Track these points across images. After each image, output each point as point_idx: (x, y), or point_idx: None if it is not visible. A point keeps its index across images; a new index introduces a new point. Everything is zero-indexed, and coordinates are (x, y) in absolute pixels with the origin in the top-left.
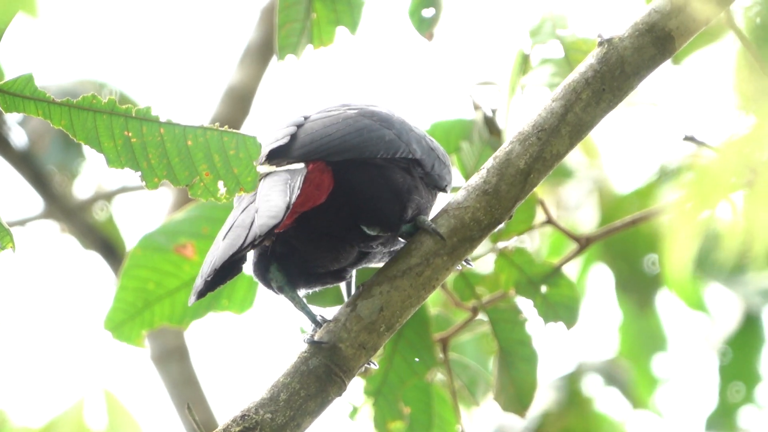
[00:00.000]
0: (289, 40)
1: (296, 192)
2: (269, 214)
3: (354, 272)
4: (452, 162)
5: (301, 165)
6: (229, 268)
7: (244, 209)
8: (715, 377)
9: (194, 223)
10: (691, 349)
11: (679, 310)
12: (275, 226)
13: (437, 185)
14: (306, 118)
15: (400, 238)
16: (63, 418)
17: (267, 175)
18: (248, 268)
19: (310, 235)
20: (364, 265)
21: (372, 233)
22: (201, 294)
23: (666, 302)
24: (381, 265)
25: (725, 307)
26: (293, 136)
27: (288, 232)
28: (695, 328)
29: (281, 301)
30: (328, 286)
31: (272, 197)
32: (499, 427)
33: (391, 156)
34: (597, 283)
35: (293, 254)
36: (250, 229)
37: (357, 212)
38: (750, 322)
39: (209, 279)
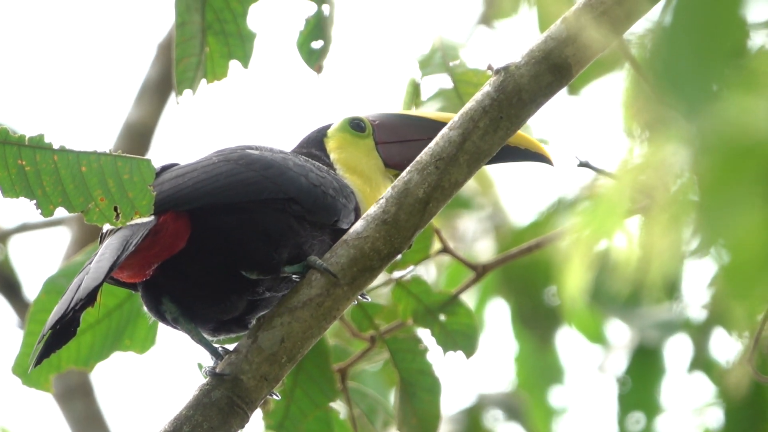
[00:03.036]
0: (186, 75)
1: (130, 249)
2: (93, 275)
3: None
4: None
5: (151, 218)
6: (63, 334)
7: (83, 269)
8: (615, 408)
9: None
10: (590, 381)
11: (578, 342)
12: (96, 288)
13: (325, 221)
14: (165, 168)
15: (293, 277)
16: None
17: (116, 230)
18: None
19: (186, 284)
20: (262, 312)
21: (252, 277)
22: (38, 361)
23: (564, 334)
24: None
25: (623, 338)
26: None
27: (159, 282)
28: (593, 359)
29: (180, 335)
30: (232, 334)
31: (104, 257)
32: None
33: (254, 198)
34: (494, 316)
35: (180, 294)
36: (76, 293)
37: (230, 257)
38: (647, 353)
39: (43, 346)
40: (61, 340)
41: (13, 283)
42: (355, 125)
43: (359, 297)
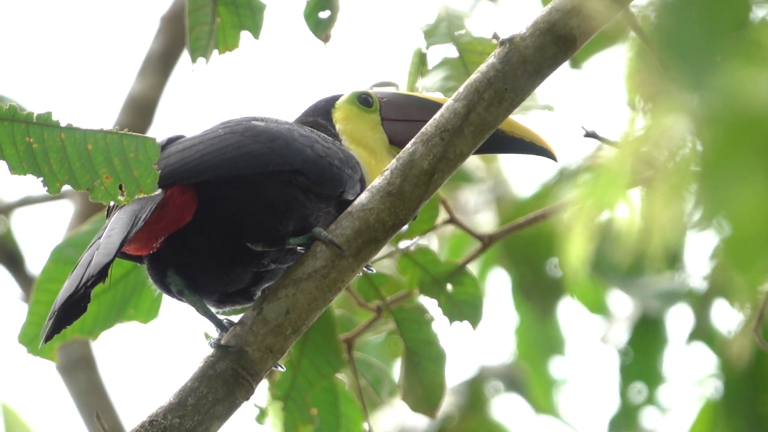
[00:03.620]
0: (200, 43)
1: (139, 224)
2: (104, 251)
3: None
4: None
5: (158, 192)
6: (73, 309)
7: (92, 244)
8: (616, 379)
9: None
10: (591, 351)
11: (579, 313)
12: (108, 264)
13: (330, 192)
14: (171, 141)
15: (298, 249)
16: None
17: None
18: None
19: (193, 256)
20: (267, 284)
21: (257, 249)
22: (48, 337)
23: (565, 305)
24: None
25: (624, 309)
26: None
27: (166, 255)
28: (595, 330)
29: (185, 307)
30: (237, 306)
31: (114, 232)
32: (401, 428)
33: (261, 171)
34: (496, 287)
35: (189, 266)
36: (87, 269)
37: (236, 229)
38: (649, 323)
39: (53, 321)
40: (71, 316)
41: (15, 257)
42: (363, 99)
43: (364, 269)
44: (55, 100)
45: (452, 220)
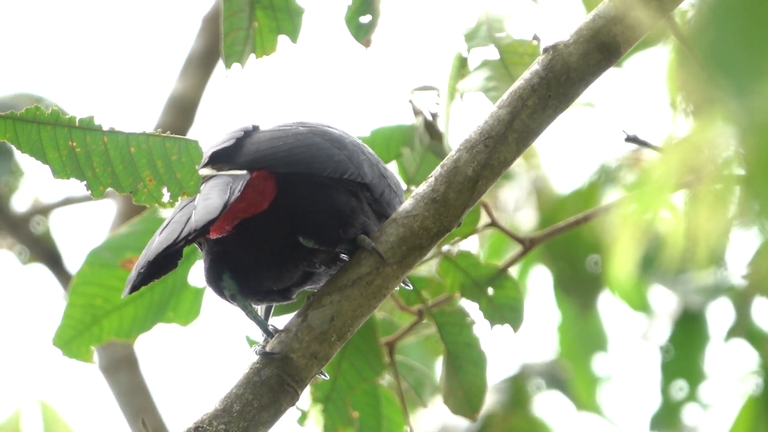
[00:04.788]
0: (234, 49)
1: (236, 194)
2: (206, 210)
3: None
4: (393, 167)
5: (244, 171)
6: (163, 263)
7: (183, 208)
8: (658, 376)
9: (139, 238)
10: (633, 349)
11: (620, 310)
12: (211, 222)
13: (385, 213)
14: (255, 128)
15: (342, 256)
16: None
17: (210, 178)
18: (194, 278)
19: (251, 248)
20: (308, 287)
21: (308, 245)
22: (135, 287)
23: (607, 302)
24: None
25: (666, 306)
26: (239, 143)
27: (229, 240)
28: (636, 327)
29: (230, 310)
30: (274, 303)
31: (212, 196)
32: (443, 428)
33: (338, 176)
34: (537, 284)
35: (241, 265)
36: (186, 224)
37: (297, 223)
38: (691, 320)
39: (143, 271)
40: (160, 271)
41: (55, 256)
42: None
43: (402, 284)
44: (97, 101)
45: (493, 224)
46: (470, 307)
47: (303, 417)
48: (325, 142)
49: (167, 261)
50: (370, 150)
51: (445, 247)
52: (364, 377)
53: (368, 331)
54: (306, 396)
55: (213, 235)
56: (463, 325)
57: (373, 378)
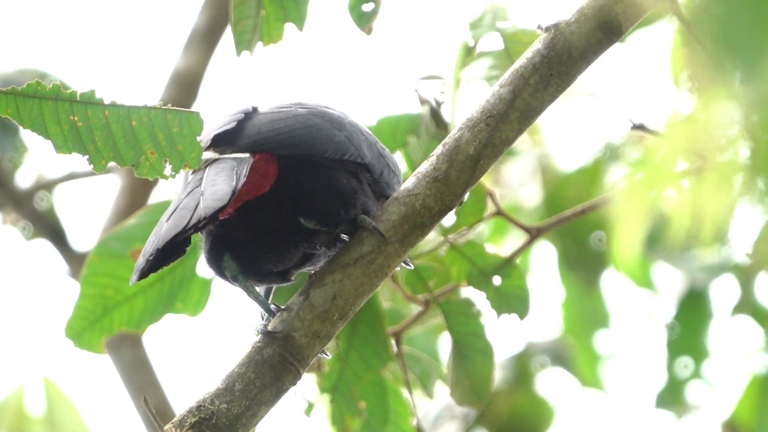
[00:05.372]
0: (244, 37)
1: (242, 179)
2: (215, 197)
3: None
4: (399, 157)
5: (247, 154)
6: (171, 250)
7: (190, 193)
8: (663, 353)
9: (148, 228)
10: (638, 326)
11: (625, 287)
12: (220, 209)
13: (384, 193)
14: (255, 109)
15: (343, 236)
16: (3, 405)
17: (213, 161)
18: (201, 267)
19: (253, 229)
20: (307, 269)
21: (309, 226)
22: (143, 274)
23: (611, 279)
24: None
25: (671, 283)
26: (240, 126)
27: (230, 222)
28: (640, 304)
29: (234, 291)
30: (274, 285)
31: (219, 182)
32: (447, 406)
33: (339, 157)
34: (541, 261)
35: (242, 246)
36: (194, 211)
37: (297, 205)
38: (696, 297)
39: (151, 258)
40: (168, 258)
41: (59, 232)
42: None
43: (402, 264)
44: (101, 77)
45: (500, 213)
46: (477, 297)
47: (310, 407)
48: (325, 122)
49: (175, 248)
50: (368, 130)
51: (452, 236)
52: (371, 367)
53: (375, 320)
54: (313, 386)
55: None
56: (469, 314)
57: (380, 368)
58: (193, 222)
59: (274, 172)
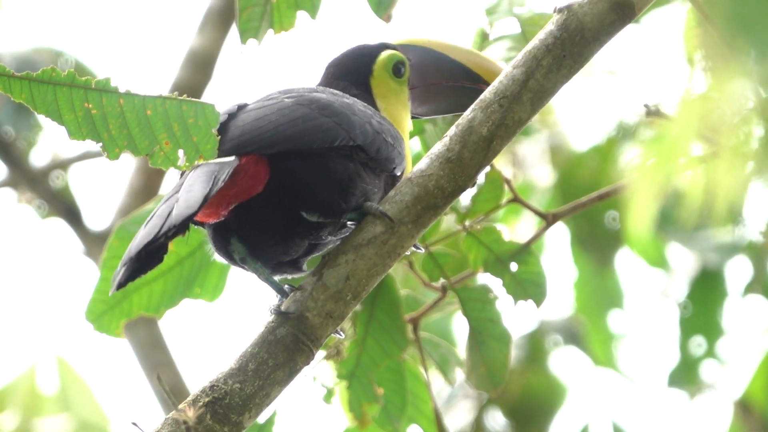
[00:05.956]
0: (250, 24)
1: (220, 184)
2: (187, 204)
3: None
4: (417, 143)
5: (232, 158)
6: (147, 259)
7: (168, 199)
8: (676, 332)
9: None
10: (650, 305)
11: (638, 266)
12: (190, 217)
13: (384, 168)
14: (240, 108)
15: (349, 223)
16: (16, 384)
17: (198, 165)
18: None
19: (254, 228)
20: (316, 254)
21: (312, 219)
22: (120, 284)
23: (624, 258)
24: None
25: (684, 263)
26: (224, 127)
27: (229, 223)
28: (654, 283)
29: (246, 274)
30: (287, 276)
31: (194, 188)
32: (461, 385)
33: (328, 145)
34: (555, 240)
35: (247, 241)
36: (167, 219)
37: (297, 200)
38: (709, 277)
39: (126, 268)
40: (145, 267)
41: (74, 210)
42: (396, 69)
43: (413, 248)
44: (116, 56)
45: (516, 200)
46: (493, 283)
47: (329, 394)
48: (312, 111)
49: (151, 256)
50: (363, 106)
51: (469, 223)
52: (388, 353)
53: (392, 307)
54: (331, 373)
55: (210, 220)
56: (486, 300)
57: (398, 354)
58: (163, 231)
59: (266, 172)
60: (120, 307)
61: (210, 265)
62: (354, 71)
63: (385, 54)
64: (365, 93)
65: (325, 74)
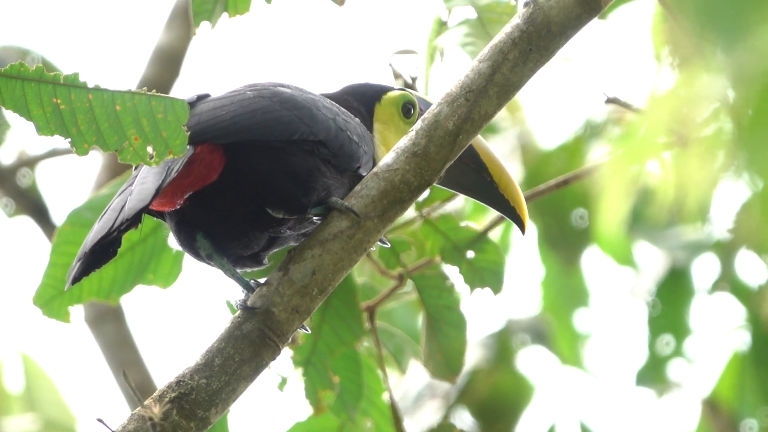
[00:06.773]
0: (204, 7)
1: (173, 174)
2: (139, 197)
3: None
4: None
5: (187, 147)
6: (101, 253)
7: (122, 192)
8: (644, 331)
9: None
10: (618, 304)
11: (606, 265)
12: (143, 209)
13: (348, 166)
14: (200, 98)
15: (314, 218)
16: None
17: None
18: (173, 239)
19: (214, 217)
20: (276, 249)
21: (277, 216)
22: (75, 279)
23: (591, 257)
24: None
25: (652, 262)
26: None
27: (185, 212)
28: (621, 282)
29: (210, 270)
30: (247, 269)
31: (147, 180)
32: (429, 385)
33: (287, 138)
34: (521, 239)
35: (211, 229)
36: (120, 213)
37: (258, 194)
38: (677, 275)
39: (80, 263)
40: (100, 260)
41: (42, 208)
42: (406, 110)
43: (379, 242)
44: (84, 53)
45: None
46: (451, 271)
47: (283, 382)
48: (273, 104)
49: (106, 250)
50: (330, 103)
51: (426, 210)
52: (344, 341)
53: (349, 295)
54: (287, 360)
55: (165, 209)
56: (442, 288)
57: (353, 342)
58: (117, 224)
59: (220, 162)
60: (70, 292)
61: (163, 251)
62: (365, 93)
63: (400, 92)
64: (366, 113)
65: (341, 87)
